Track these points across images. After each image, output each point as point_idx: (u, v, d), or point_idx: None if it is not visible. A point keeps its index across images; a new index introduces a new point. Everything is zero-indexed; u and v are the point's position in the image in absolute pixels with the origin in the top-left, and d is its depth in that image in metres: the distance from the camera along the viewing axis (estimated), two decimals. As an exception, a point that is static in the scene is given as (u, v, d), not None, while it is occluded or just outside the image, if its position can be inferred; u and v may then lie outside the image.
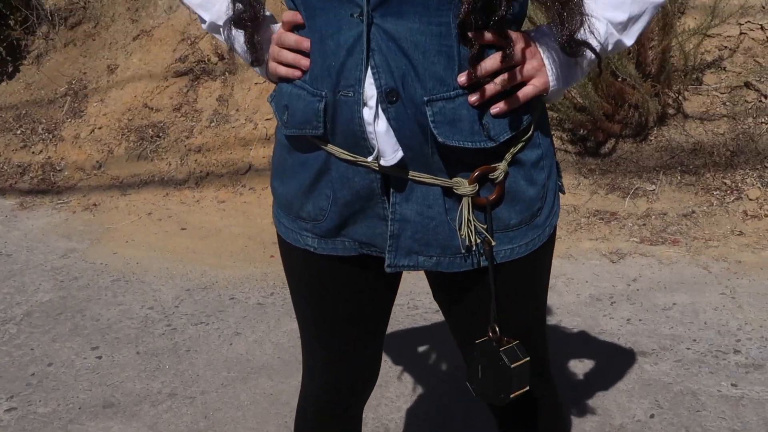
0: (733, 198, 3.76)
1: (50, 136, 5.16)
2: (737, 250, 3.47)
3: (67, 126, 5.17)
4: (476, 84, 1.09)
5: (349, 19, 1.08)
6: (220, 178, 4.47)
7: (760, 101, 3.98)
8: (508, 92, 1.12)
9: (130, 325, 3.15)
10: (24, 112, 5.41)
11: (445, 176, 1.14)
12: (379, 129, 1.10)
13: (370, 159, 1.12)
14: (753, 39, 4.17)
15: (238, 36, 1.26)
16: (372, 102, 1.10)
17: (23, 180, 4.93)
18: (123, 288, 3.50)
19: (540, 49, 1.15)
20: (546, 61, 1.14)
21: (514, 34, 1.10)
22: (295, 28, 1.19)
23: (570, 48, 1.09)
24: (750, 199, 3.73)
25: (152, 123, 4.91)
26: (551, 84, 1.15)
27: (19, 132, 5.27)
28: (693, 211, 3.74)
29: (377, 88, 1.08)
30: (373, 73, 1.08)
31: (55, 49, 5.71)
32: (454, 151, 1.12)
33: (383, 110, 1.10)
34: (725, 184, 3.82)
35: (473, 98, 1.09)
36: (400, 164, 1.12)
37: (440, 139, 1.09)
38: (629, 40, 1.19)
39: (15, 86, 5.62)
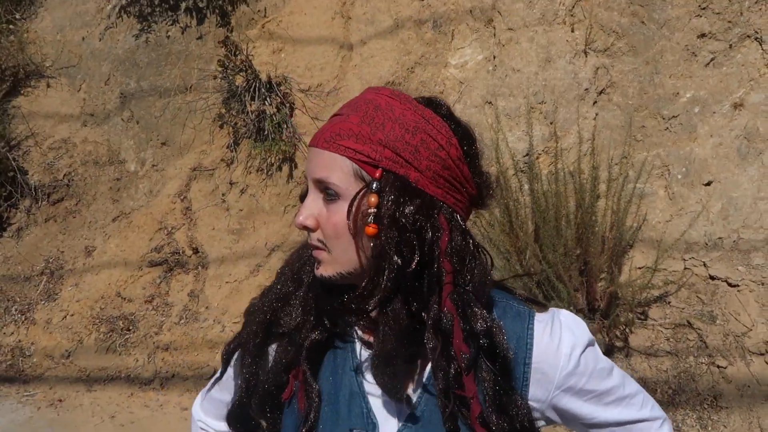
0: (674, 440, 3.93)
1: (23, 318, 5.28)
2: (677, 500, 3.62)
3: (41, 309, 5.30)
4: None
5: None
6: (185, 381, 4.59)
7: (701, 341, 4.21)
8: None
9: None
10: (0, 287, 5.55)
11: None
12: None
13: None
14: (696, 275, 4.44)
15: None
16: None
17: (-8, 363, 5.02)
18: None
19: None
20: None
21: None
22: None
23: None
24: (690, 442, 3.91)
25: (123, 314, 5.06)
26: None
27: (-7, 309, 5.40)
28: (636, 451, 3.89)
29: None
30: None
31: (35, 223, 5.90)
32: None
33: None
34: (667, 423, 4.00)
35: None
36: None
37: None
38: None
39: (-7, 259, 5.79)
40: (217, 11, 5.99)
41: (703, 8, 4.83)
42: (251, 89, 5.27)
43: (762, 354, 4.17)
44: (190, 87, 5.81)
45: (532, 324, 1.19)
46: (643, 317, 4.37)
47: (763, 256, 4.47)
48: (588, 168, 4.70)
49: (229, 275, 5.01)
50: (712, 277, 4.43)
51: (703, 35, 4.83)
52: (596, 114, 4.84)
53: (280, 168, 5.27)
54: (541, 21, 4.94)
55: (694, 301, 4.38)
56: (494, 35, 5.05)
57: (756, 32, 4.83)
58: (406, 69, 5.16)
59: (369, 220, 1.09)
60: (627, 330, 4.34)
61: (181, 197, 5.52)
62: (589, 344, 1.22)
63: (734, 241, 4.51)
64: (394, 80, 5.14)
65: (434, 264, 1.12)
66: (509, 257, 4.35)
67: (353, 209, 1.10)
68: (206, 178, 5.53)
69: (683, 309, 4.36)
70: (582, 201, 4.41)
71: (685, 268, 4.49)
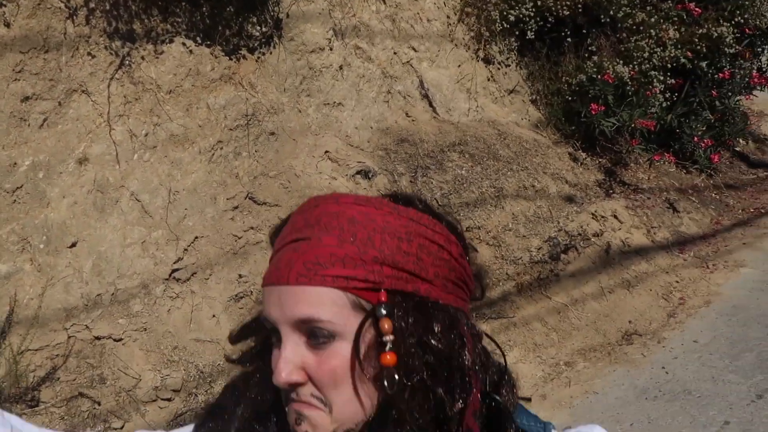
0: None
1: None
2: None
3: None
4: None
5: None
6: None
7: (96, 407, 4.19)
8: None
9: None
10: None
11: None
12: None
13: None
14: (82, 340, 4.38)
15: None
16: None
17: None
18: None
19: None
20: None
21: None
22: None
23: None
24: None
25: None
26: None
27: None
28: None
29: None
30: None
31: None
32: None
33: None
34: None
35: None
36: None
37: None
38: None
39: None
40: None
41: (19, 71, 4.71)
42: None
43: (154, 400, 4.32)
44: None
45: None
46: (34, 403, 4.17)
47: (141, 301, 4.62)
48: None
49: None
50: (97, 338, 4.43)
51: (27, 98, 4.72)
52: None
53: None
54: None
55: (84, 367, 4.33)
56: None
57: (81, 85, 4.90)
58: None
59: (387, 348, 0.88)
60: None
61: None
62: None
63: (112, 294, 4.57)
64: None
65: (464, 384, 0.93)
66: None
67: (360, 345, 0.90)
68: None
69: (74, 380, 4.28)
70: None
71: (70, 337, 4.40)
